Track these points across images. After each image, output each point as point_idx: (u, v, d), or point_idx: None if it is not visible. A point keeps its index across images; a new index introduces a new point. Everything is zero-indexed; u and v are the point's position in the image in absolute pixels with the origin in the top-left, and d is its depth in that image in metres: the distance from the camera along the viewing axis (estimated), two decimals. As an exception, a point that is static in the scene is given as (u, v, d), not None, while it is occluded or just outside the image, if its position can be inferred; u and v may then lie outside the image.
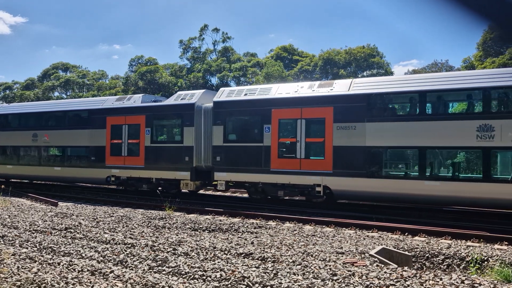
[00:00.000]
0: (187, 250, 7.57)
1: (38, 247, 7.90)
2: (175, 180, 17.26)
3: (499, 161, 12.49)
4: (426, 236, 10.43)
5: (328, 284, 5.48)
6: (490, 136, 11.88)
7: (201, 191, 19.84)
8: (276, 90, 15.71)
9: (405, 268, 6.37)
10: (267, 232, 10.22)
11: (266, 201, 15.86)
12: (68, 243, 8.20)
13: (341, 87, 14.47)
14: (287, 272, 5.98)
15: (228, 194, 19.61)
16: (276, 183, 15.15)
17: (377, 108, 13.83)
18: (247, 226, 10.91)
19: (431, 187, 12.60)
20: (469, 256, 8.12)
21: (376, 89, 13.83)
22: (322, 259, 6.96)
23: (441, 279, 5.62)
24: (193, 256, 7.19)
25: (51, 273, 6.01)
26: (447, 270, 7.99)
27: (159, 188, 17.67)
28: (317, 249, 7.87)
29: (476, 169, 12.79)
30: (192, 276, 5.96)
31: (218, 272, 6.04)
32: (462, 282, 5.49)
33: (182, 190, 17.51)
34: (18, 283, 5.57)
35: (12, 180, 23.49)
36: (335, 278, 5.70)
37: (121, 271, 6.21)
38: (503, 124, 11.80)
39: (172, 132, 18.16)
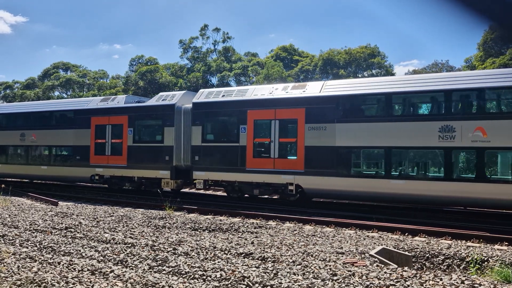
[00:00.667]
0: (187, 249, 7.57)
1: (38, 247, 7.90)
2: (157, 179, 17.72)
3: (460, 160, 12.99)
4: (426, 236, 10.43)
5: (328, 284, 5.48)
6: (451, 137, 12.38)
7: (202, 191, 19.85)
8: (252, 92, 16.23)
9: (405, 268, 6.37)
10: (267, 232, 10.22)
11: (244, 200, 16.31)
12: (68, 243, 8.20)
13: (313, 89, 14.95)
14: (287, 272, 5.98)
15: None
16: (252, 182, 15.62)
17: (346, 110, 14.22)
18: (247, 226, 10.91)
19: (397, 185, 13.12)
20: (469, 257, 8.12)
21: (345, 91, 14.33)
22: (322, 259, 6.96)
23: (441, 279, 5.62)
24: (193, 256, 7.20)
25: (51, 273, 6.01)
26: (447, 270, 7.99)
27: (143, 186, 18.35)
28: (317, 249, 7.87)
29: (439, 169, 13.22)
30: (192, 276, 5.96)
31: (218, 272, 6.04)
32: (462, 282, 5.49)
33: (164, 189, 17.87)
34: (19, 282, 5.58)
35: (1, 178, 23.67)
36: (335, 278, 5.70)
37: (121, 270, 6.22)
38: (463, 125, 12.29)
39: (153, 132, 18.52)
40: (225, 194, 18.64)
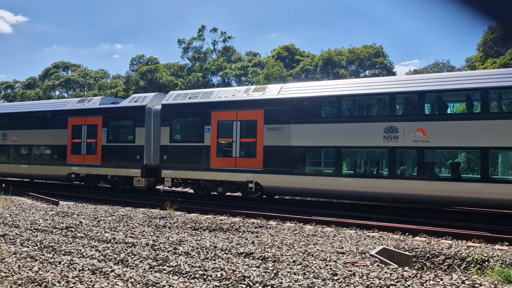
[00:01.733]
0: (188, 249, 7.57)
1: (39, 246, 7.91)
2: (129, 177, 18.53)
3: (402, 159, 13.68)
4: (426, 236, 10.43)
5: (328, 284, 5.48)
6: (395, 137, 13.21)
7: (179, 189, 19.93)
8: (216, 94, 17.06)
9: (406, 268, 6.37)
10: (267, 231, 10.22)
11: (209, 197, 17.06)
12: (69, 242, 8.21)
13: (272, 91, 15.74)
14: (288, 272, 5.98)
15: (228, 193, 19.62)
16: (215, 180, 16.38)
17: (301, 111, 14.92)
18: (247, 226, 10.91)
19: (347, 183, 13.94)
20: (470, 257, 8.12)
21: (300, 94, 15.15)
22: (322, 259, 6.96)
23: (441, 279, 5.61)
24: (194, 255, 7.20)
25: (52, 272, 6.02)
26: (447, 270, 7.99)
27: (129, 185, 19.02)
28: (318, 249, 7.87)
29: (384, 167, 13.83)
30: (193, 276, 5.96)
31: (218, 271, 6.04)
32: (463, 282, 5.49)
33: (135, 186, 18.75)
34: (19, 281, 5.58)
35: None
36: (335, 278, 5.70)
37: (122, 270, 6.22)
38: (405, 126, 13.08)
39: (125, 132, 19.27)
40: (227, 193, 18.70)
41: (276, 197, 17.48)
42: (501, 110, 12.69)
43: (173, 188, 19.00)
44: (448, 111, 13.55)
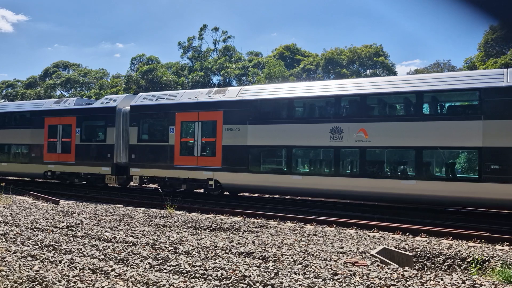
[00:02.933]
0: (188, 249, 7.57)
1: (39, 245, 7.91)
2: (101, 175, 19.49)
3: (346, 158, 14.48)
4: (427, 236, 10.43)
5: (329, 283, 5.48)
6: (340, 137, 14.03)
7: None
8: (181, 96, 17.99)
9: (406, 268, 6.36)
10: (268, 231, 10.22)
11: (174, 194, 17.31)
12: (69, 241, 8.21)
13: (231, 93, 16.62)
14: (288, 272, 5.98)
15: (228, 193, 19.64)
16: (179, 178, 17.16)
17: (256, 113, 15.79)
18: (248, 225, 10.91)
19: (296, 180, 14.73)
20: (470, 257, 8.12)
21: (256, 96, 15.97)
22: (323, 259, 6.95)
23: (442, 279, 5.61)
24: (194, 255, 7.20)
25: (52, 271, 6.02)
26: (448, 270, 7.99)
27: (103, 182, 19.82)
28: (318, 249, 7.87)
29: (330, 166, 14.57)
30: (193, 275, 5.96)
31: (219, 271, 6.04)
32: (463, 282, 5.48)
33: (108, 184, 19.88)
34: (20, 280, 5.59)
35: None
36: (336, 277, 5.70)
37: (122, 269, 6.22)
38: (349, 127, 13.90)
39: (97, 131, 20.23)
40: (227, 193, 18.73)
41: (240, 194, 18.43)
42: (432, 112, 13.57)
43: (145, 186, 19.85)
44: (387, 113, 14.27)
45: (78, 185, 21.32)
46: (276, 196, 18.11)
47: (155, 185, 19.79)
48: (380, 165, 14.02)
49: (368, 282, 5.44)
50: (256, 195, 18.70)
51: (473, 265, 7.87)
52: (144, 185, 19.24)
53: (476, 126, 12.22)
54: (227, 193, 18.00)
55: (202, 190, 17.92)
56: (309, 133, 14.59)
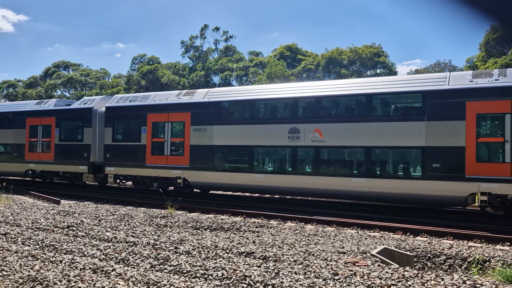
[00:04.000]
0: (189, 249, 7.58)
1: (40, 245, 7.92)
2: (78, 173, 20.19)
3: (303, 157, 15.12)
4: (428, 236, 10.42)
5: (329, 283, 5.48)
6: (297, 137, 14.72)
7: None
8: (153, 97, 18.71)
9: (407, 268, 6.36)
10: (268, 231, 10.22)
11: (148, 192, 18.55)
12: (70, 241, 8.22)
13: (199, 95, 17.39)
14: (289, 272, 5.98)
15: (229, 193, 19.67)
16: (151, 176, 17.90)
17: (221, 114, 16.62)
18: (248, 225, 10.91)
19: (257, 179, 15.46)
20: (471, 257, 8.11)
21: (221, 98, 16.76)
22: (323, 259, 6.95)
23: (442, 279, 5.61)
24: (195, 255, 7.20)
25: (53, 271, 6.03)
26: (448, 270, 7.98)
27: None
28: (319, 249, 7.87)
29: (288, 164, 15.30)
30: (194, 275, 5.97)
31: (219, 271, 6.04)
32: (464, 282, 5.48)
33: (87, 182, 20.72)
34: (21, 280, 5.59)
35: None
36: (336, 277, 5.70)
37: (123, 269, 6.23)
38: (305, 128, 14.59)
39: (75, 132, 20.86)
40: (229, 193, 18.78)
41: (211, 192, 19.29)
42: (380, 114, 14.26)
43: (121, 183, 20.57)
44: (340, 114, 14.91)
45: (60, 183, 22.12)
46: (277, 196, 18.17)
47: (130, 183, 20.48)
48: (334, 163, 14.74)
49: (369, 282, 5.44)
50: (256, 195, 18.72)
51: (473, 265, 7.86)
52: (121, 183, 20.12)
53: (420, 127, 12.92)
54: (197, 191, 18.73)
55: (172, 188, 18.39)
56: (269, 134, 15.31)
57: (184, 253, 7.33)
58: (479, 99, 12.23)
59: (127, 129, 18.97)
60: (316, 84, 17.14)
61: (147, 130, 17.99)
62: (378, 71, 45.38)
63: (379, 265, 6.50)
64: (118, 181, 19.46)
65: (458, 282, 5.47)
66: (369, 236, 10.13)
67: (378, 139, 13.60)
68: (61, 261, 6.65)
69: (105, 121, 19.36)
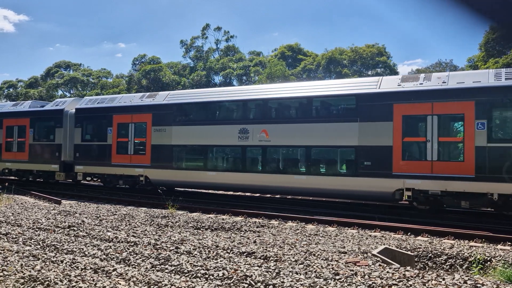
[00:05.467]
0: (190, 248, 7.58)
1: (41, 245, 7.93)
2: (51, 172, 21.06)
3: (252, 156, 15.94)
4: (429, 236, 10.41)
5: (330, 283, 5.48)
6: (246, 137, 15.61)
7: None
8: (119, 99, 19.73)
9: (408, 268, 6.36)
10: (269, 231, 10.22)
11: (118, 189, 19.54)
12: (71, 241, 8.23)
13: (160, 98, 18.38)
14: (290, 271, 5.98)
15: (230, 193, 19.68)
16: (116, 174, 18.87)
17: (179, 115, 17.51)
18: (249, 225, 10.91)
19: (211, 176, 16.36)
20: (472, 257, 8.11)
21: (179, 100, 17.69)
22: (324, 259, 6.95)
23: (443, 279, 5.61)
24: (196, 254, 7.20)
25: (54, 271, 6.03)
26: (449, 270, 7.98)
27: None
28: (320, 249, 7.87)
29: (239, 163, 16.13)
30: (195, 275, 5.97)
31: (220, 271, 6.05)
32: (465, 282, 5.48)
33: (59, 181, 21.64)
34: (22, 280, 5.60)
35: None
36: (337, 277, 5.70)
37: (124, 269, 6.23)
38: (254, 128, 15.51)
39: (47, 132, 21.62)
40: (230, 193, 18.80)
41: (181, 190, 19.86)
42: (319, 115, 15.11)
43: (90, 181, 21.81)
44: (284, 115, 15.75)
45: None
46: (278, 196, 18.24)
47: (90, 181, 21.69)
48: (278, 162, 15.62)
49: (370, 282, 5.44)
50: (257, 194, 18.74)
51: (474, 265, 7.86)
52: (91, 181, 21.25)
53: (353, 127, 13.86)
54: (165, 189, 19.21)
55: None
56: (221, 134, 16.24)
57: (185, 253, 7.33)
58: (405, 102, 13.15)
59: (95, 129, 19.89)
60: (264, 87, 18.41)
61: (113, 131, 19.01)
62: (379, 70, 45.31)
63: (380, 265, 6.50)
64: (89, 178, 20.62)
65: (459, 282, 5.46)
66: (370, 236, 10.13)
67: (317, 139, 14.51)
68: (62, 261, 6.66)
69: (75, 122, 20.37)
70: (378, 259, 7.13)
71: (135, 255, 7.08)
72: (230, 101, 16.81)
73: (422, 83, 13.16)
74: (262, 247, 7.81)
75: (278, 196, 18.26)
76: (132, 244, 8.07)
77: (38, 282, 5.54)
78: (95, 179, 20.62)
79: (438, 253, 8.46)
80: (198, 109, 17.53)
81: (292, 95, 15.48)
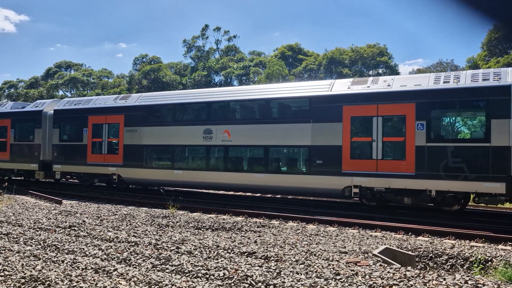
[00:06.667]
0: (190, 248, 7.58)
1: (42, 245, 7.93)
2: (31, 171, 21.89)
3: (215, 155, 16.75)
4: (429, 236, 10.40)
5: (331, 283, 5.47)
6: (210, 137, 16.46)
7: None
8: (94, 101, 20.75)
9: (409, 268, 6.36)
10: (270, 231, 10.22)
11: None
12: (72, 241, 8.23)
13: (132, 100, 19.29)
14: (290, 271, 5.98)
15: (231, 193, 19.67)
16: (91, 173, 19.80)
17: (149, 116, 18.36)
18: (250, 225, 10.91)
19: (178, 175, 17.16)
20: (473, 256, 8.10)
21: (149, 102, 18.57)
22: (325, 259, 6.95)
23: (444, 279, 5.60)
24: (196, 254, 7.21)
25: (55, 271, 6.04)
26: (450, 270, 7.97)
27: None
28: (320, 249, 7.86)
29: (203, 162, 17.00)
30: (195, 275, 5.97)
31: (221, 271, 6.05)
32: (466, 282, 5.47)
33: (40, 179, 22.39)
34: (23, 280, 5.60)
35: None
36: (338, 277, 5.69)
37: (125, 269, 6.23)
38: (217, 129, 16.34)
39: (27, 132, 22.49)
40: (230, 193, 18.77)
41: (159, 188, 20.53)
42: (277, 116, 15.79)
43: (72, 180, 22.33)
44: (244, 116, 16.56)
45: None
46: (278, 196, 18.30)
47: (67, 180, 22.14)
48: (240, 161, 16.39)
49: (371, 282, 5.44)
50: (258, 194, 18.75)
51: (475, 265, 7.85)
52: (70, 180, 22.05)
53: (307, 128, 14.59)
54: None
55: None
56: (187, 134, 17.06)
57: (185, 253, 7.33)
58: (353, 104, 13.88)
59: (72, 130, 20.84)
60: (228, 89, 19.60)
61: (88, 131, 19.92)
62: (380, 70, 45.24)
63: (380, 265, 6.49)
64: (68, 177, 21.36)
65: (460, 282, 5.46)
66: (371, 236, 10.12)
67: (274, 139, 15.28)
68: (63, 261, 6.66)
69: (53, 122, 21.21)
70: (379, 259, 7.13)
71: (136, 255, 7.08)
72: (195, 103, 17.58)
73: (369, 86, 13.88)
74: (263, 247, 7.81)
75: (279, 196, 18.30)
76: (133, 244, 8.07)
77: (39, 282, 5.54)
78: (73, 177, 21.33)
79: (439, 253, 8.45)
80: (166, 110, 18.37)
81: (252, 97, 16.27)
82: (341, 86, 14.46)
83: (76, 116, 20.56)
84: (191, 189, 19.61)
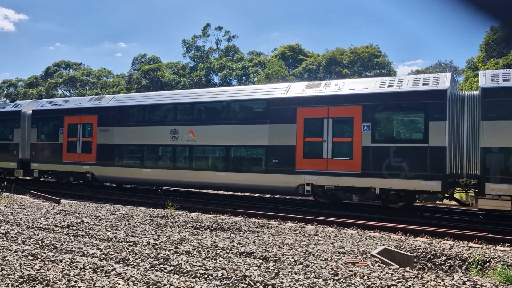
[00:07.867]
0: (189, 248, 7.58)
1: (40, 244, 7.92)
2: (10, 169, 22.87)
3: (181, 154, 17.35)
4: (428, 236, 10.41)
5: (329, 284, 5.48)
6: (176, 137, 17.19)
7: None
8: (70, 102, 21.50)
9: (407, 268, 6.36)
10: (268, 231, 10.22)
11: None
12: (70, 241, 8.22)
13: (105, 101, 20.14)
14: (289, 272, 5.98)
15: (230, 193, 19.66)
16: (67, 171, 20.59)
17: (120, 117, 19.09)
18: (248, 225, 10.91)
19: (147, 173, 17.95)
20: (471, 257, 8.11)
21: (120, 103, 19.41)
22: (323, 259, 6.95)
23: (442, 280, 5.61)
24: (195, 254, 7.20)
25: (53, 270, 6.03)
26: (449, 271, 7.98)
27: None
28: (319, 249, 7.87)
29: (170, 161, 17.58)
30: (194, 275, 5.97)
31: (219, 271, 6.04)
32: (464, 283, 5.48)
33: (19, 177, 23.08)
34: (21, 279, 5.59)
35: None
36: (336, 278, 5.70)
37: (123, 269, 6.23)
38: (182, 129, 17.09)
39: (7, 132, 23.37)
40: (229, 193, 18.75)
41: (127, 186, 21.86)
42: (237, 117, 16.37)
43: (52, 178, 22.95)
44: (208, 118, 17.23)
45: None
46: (277, 196, 18.34)
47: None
48: (203, 159, 17.04)
49: (369, 283, 5.44)
50: (257, 194, 18.76)
51: (474, 266, 7.86)
52: (47, 178, 22.92)
53: (264, 129, 15.29)
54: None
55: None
56: (155, 134, 17.76)
57: (184, 253, 7.33)
58: (306, 106, 14.55)
59: (49, 129, 21.54)
60: (193, 91, 20.22)
61: (64, 131, 20.64)
62: (378, 72, 45.29)
63: (379, 266, 6.50)
64: (46, 175, 22.23)
65: (458, 283, 5.46)
66: (369, 236, 10.13)
67: (235, 139, 15.96)
68: (61, 261, 6.65)
69: (32, 122, 21.96)
70: (377, 259, 7.13)
71: (134, 255, 7.08)
72: (163, 104, 18.26)
73: (322, 90, 14.62)
74: (262, 247, 7.81)
75: (277, 196, 18.32)
76: (131, 243, 8.06)
77: (37, 282, 5.53)
78: (50, 175, 22.09)
79: (437, 254, 8.46)
80: (136, 111, 19.14)
81: (215, 99, 17.11)
82: (297, 89, 15.14)
83: (53, 116, 21.28)
84: (191, 189, 19.81)
